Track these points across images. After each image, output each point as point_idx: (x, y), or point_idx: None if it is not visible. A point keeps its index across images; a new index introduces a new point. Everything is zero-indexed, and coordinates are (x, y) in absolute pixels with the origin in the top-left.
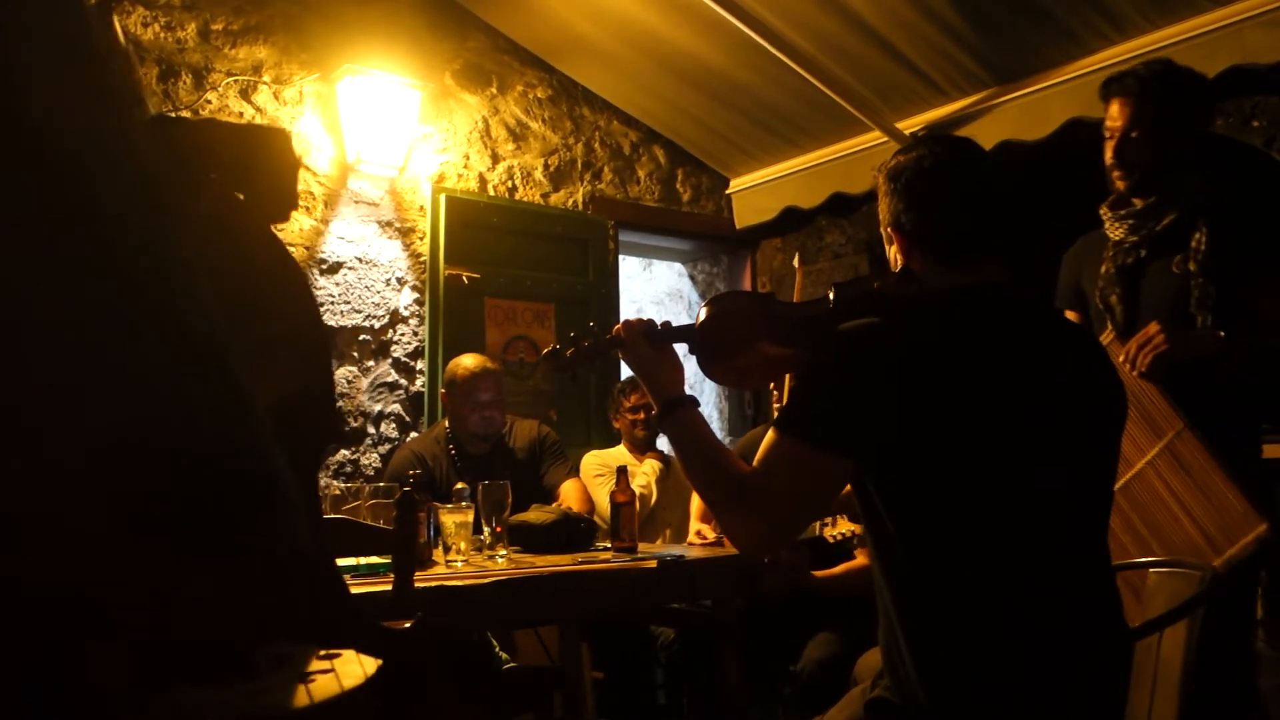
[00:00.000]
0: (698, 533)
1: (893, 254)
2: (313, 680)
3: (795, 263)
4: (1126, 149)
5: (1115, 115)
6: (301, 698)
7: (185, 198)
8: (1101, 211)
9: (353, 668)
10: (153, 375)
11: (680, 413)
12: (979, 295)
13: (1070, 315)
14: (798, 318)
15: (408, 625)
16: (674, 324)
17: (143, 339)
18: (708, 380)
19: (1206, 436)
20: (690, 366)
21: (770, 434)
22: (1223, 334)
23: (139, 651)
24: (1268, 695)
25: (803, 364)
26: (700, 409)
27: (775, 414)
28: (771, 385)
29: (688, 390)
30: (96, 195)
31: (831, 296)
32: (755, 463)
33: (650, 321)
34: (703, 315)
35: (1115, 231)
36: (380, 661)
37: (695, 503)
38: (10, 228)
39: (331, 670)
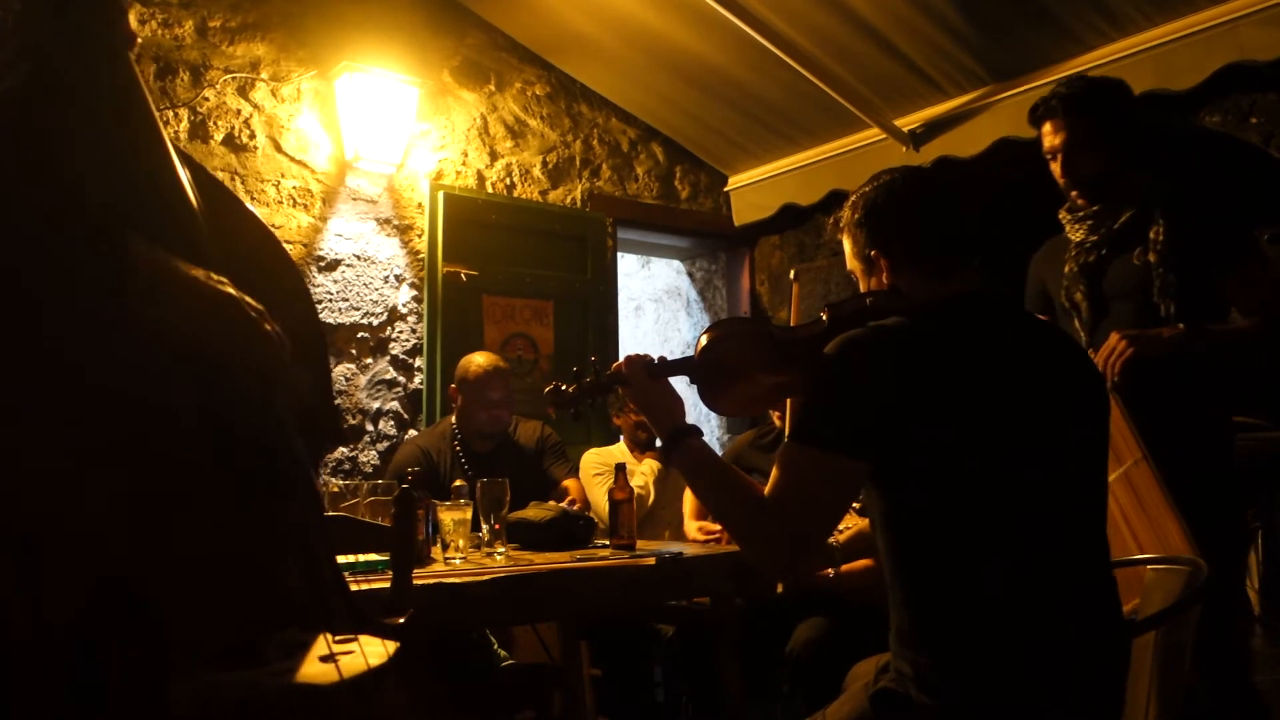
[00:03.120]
0: (700, 528)
1: (874, 283)
2: (337, 660)
3: (791, 275)
4: (1071, 166)
5: (1050, 136)
6: (331, 675)
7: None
8: (1061, 216)
9: (375, 648)
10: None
11: (688, 442)
12: (966, 302)
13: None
14: (795, 340)
15: (402, 620)
16: (675, 324)
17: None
18: None
19: (1161, 471)
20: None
21: (782, 449)
22: (1182, 325)
23: (155, 636)
24: (1266, 691)
25: (806, 384)
26: (704, 437)
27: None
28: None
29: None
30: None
31: (825, 317)
32: (770, 481)
33: (649, 356)
34: (702, 343)
35: (1075, 233)
36: (399, 644)
37: (689, 502)
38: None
39: (354, 651)
